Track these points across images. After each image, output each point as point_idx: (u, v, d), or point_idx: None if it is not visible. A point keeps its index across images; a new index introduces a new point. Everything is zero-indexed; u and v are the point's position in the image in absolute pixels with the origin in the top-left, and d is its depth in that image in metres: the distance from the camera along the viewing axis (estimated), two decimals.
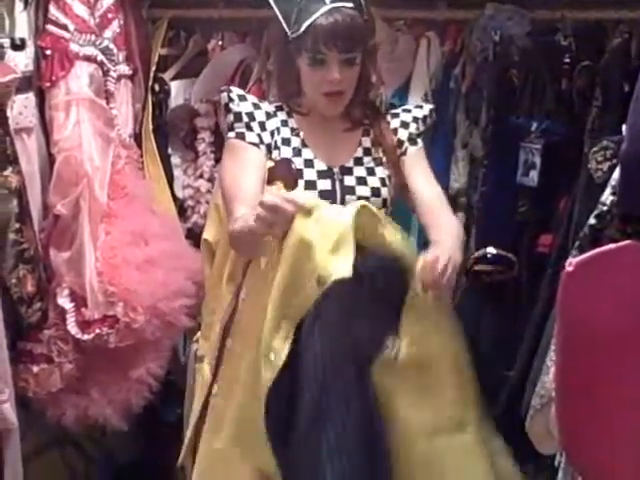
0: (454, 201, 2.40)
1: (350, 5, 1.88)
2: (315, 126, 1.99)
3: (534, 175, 2.30)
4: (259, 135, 1.96)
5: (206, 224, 2.26)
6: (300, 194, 1.80)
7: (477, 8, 2.37)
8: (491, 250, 2.32)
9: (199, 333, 2.18)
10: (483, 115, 2.34)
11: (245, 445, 1.77)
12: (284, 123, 1.99)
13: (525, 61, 2.31)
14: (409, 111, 2.08)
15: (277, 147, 1.95)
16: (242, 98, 1.99)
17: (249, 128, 1.95)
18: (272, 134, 1.97)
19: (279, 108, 2.02)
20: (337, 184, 1.94)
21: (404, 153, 2.02)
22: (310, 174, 1.93)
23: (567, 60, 2.27)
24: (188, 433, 2.07)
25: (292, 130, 1.98)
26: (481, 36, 2.33)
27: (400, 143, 2.02)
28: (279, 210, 1.62)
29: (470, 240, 2.38)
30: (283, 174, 1.92)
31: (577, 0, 2.31)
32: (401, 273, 1.70)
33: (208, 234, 2.20)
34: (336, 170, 1.95)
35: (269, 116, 1.99)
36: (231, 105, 1.97)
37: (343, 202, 1.91)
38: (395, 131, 2.03)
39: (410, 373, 1.70)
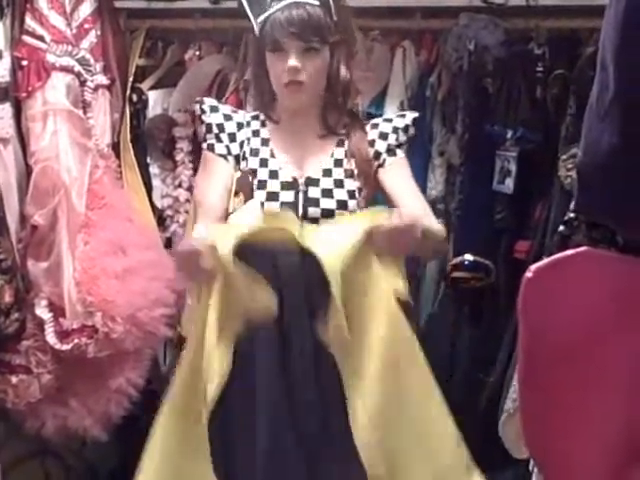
0: (432, 208, 2.42)
1: (314, 2, 1.89)
2: (287, 135, 1.98)
3: (510, 182, 2.32)
4: (227, 147, 1.97)
5: (185, 234, 2.26)
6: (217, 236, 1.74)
7: (452, 18, 2.39)
8: (468, 257, 2.34)
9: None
10: (459, 123, 2.36)
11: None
12: (255, 133, 1.99)
13: (500, 70, 2.33)
14: (390, 121, 2.03)
15: (245, 158, 1.96)
16: (214, 109, 2.00)
17: (218, 139, 1.98)
18: (242, 145, 1.98)
19: (255, 117, 2.03)
20: (300, 195, 1.91)
21: (382, 165, 1.98)
22: (273, 185, 1.92)
23: (541, 69, 2.30)
24: None
25: (263, 141, 1.98)
26: (456, 45, 2.35)
27: (377, 155, 1.98)
28: (191, 262, 1.71)
29: (448, 247, 2.40)
30: (244, 186, 1.93)
31: (551, 9, 2.34)
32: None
33: None
34: (301, 181, 1.93)
35: (240, 127, 1.99)
36: (203, 117, 2.00)
37: (305, 214, 1.89)
38: (372, 143, 1.99)
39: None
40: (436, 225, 1.92)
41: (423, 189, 2.40)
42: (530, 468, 1.81)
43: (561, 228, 1.62)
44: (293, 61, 1.87)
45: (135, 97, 2.59)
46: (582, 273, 1.44)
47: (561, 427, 1.48)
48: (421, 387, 1.70)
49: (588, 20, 2.29)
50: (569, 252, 1.45)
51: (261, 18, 1.91)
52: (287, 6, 1.88)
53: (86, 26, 2.42)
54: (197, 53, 2.63)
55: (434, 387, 1.70)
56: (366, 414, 1.66)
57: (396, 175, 1.99)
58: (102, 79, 2.47)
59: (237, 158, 1.96)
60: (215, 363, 1.68)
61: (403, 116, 2.05)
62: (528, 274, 1.50)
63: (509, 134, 2.32)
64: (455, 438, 1.70)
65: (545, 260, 1.48)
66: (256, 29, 1.93)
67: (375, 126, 2.02)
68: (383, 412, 1.66)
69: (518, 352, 1.52)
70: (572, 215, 1.59)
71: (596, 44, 2.21)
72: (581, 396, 1.46)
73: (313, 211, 1.90)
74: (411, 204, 1.92)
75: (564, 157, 1.74)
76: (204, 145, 2.00)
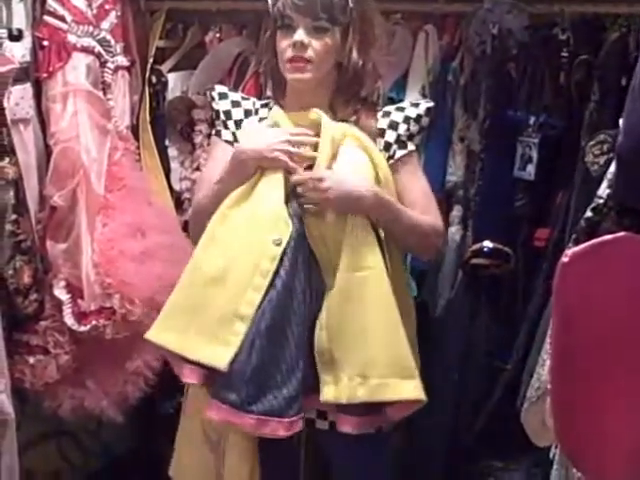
0: (451, 194, 2.41)
1: None
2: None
3: (531, 169, 2.30)
4: (234, 133, 1.99)
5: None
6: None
7: (475, 1, 2.36)
8: (488, 244, 2.33)
9: None
10: (481, 109, 2.34)
11: (165, 324, 1.86)
12: (263, 120, 1.99)
13: (523, 55, 2.30)
14: (402, 110, 1.99)
15: None
16: (222, 96, 2.02)
17: (225, 126, 1.99)
18: None
19: (264, 105, 2.02)
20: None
21: (392, 157, 1.96)
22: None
23: (565, 54, 2.26)
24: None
25: (270, 127, 1.96)
26: (479, 29, 2.32)
27: (388, 146, 1.96)
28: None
29: (467, 233, 2.39)
30: None
31: None
32: None
33: None
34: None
35: (248, 114, 2.00)
36: (212, 103, 2.03)
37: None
38: (382, 133, 1.96)
39: None
40: (438, 223, 1.96)
41: (442, 175, 2.40)
42: (550, 456, 1.79)
43: (589, 214, 1.60)
44: (299, 35, 1.85)
45: (155, 79, 2.58)
46: (620, 258, 1.41)
47: (594, 416, 1.47)
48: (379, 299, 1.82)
49: (613, 6, 2.26)
50: (607, 237, 1.43)
51: None
52: None
53: (107, 7, 2.41)
54: (217, 35, 2.61)
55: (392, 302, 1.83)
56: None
57: (405, 171, 1.97)
58: (122, 60, 2.46)
59: None
60: None
61: (417, 105, 2.01)
62: (564, 259, 1.47)
63: (531, 120, 2.29)
64: (399, 344, 1.82)
65: (582, 245, 1.45)
66: (270, 9, 1.91)
67: (387, 114, 1.98)
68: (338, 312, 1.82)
69: (551, 339, 1.50)
70: (601, 201, 1.56)
71: (620, 30, 2.20)
72: (616, 385, 1.45)
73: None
74: (417, 202, 1.94)
75: (592, 143, 1.71)
76: (213, 131, 2.04)
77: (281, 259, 1.81)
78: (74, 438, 2.67)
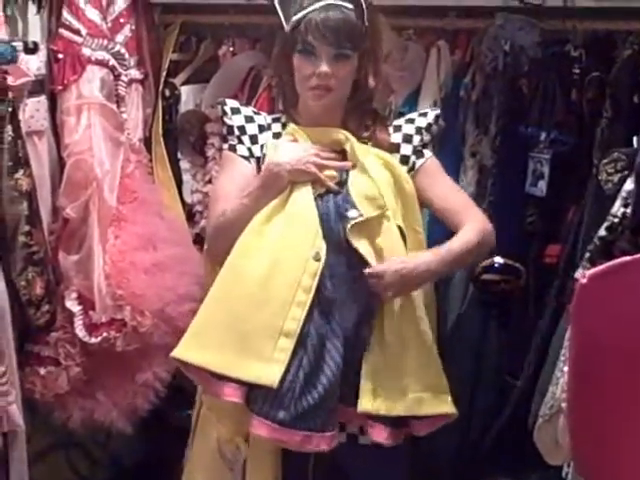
0: None
1: (349, 6, 1.88)
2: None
3: (542, 185, 2.29)
4: (249, 149, 1.98)
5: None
6: None
7: (487, 17, 2.37)
8: (499, 260, 2.32)
9: None
10: (492, 124, 2.34)
11: (197, 342, 1.83)
12: (276, 136, 1.99)
13: (535, 71, 2.31)
14: (412, 121, 2.02)
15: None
16: (235, 111, 2.01)
17: (240, 141, 1.98)
18: (262, 147, 1.97)
19: (276, 120, 2.02)
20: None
21: (412, 168, 1.98)
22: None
23: (577, 71, 2.27)
24: (190, 439, 2.08)
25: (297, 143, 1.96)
26: (491, 45, 2.33)
27: (406, 159, 1.98)
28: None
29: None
30: None
31: (588, 11, 2.31)
32: None
33: None
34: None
35: (262, 129, 1.99)
36: (225, 118, 2.01)
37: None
38: (398, 147, 1.98)
39: None
40: (482, 222, 1.96)
41: None
42: (563, 475, 1.79)
43: (603, 233, 1.60)
44: (325, 67, 1.86)
45: (168, 92, 2.60)
46: (638, 280, 1.41)
47: (611, 436, 1.46)
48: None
49: (625, 22, 2.26)
50: (626, 258, 1.42)
51: (297, 17, 1.88)
52: (324, 8, 1.86)
53: (121, 20, 2.43)
54: (231, 49, 2.63)
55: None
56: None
57: (430, 176, 1.99)
58: (136, 73, 2.48)
59: (258, 160, 1.96)
60: None
61: (425, 114, 2.04)
62: (583, 280, 1.46)
63: (543, 136, 2.29)
64: (434, 360, 1.93)
65: (600, 266, 1.44)
66: (286, 27, 1.91)
67: (398, 128, 2.01)
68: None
69: (569, 360, 1.49)
70: (616, 220, 1.56)
71: (632, 47, 2.21)
72: (635, 406, 1.44)
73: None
74: (455, 201, 1.97)
75: (605, 161, 1.71)
76: (225, 146, 2.01)
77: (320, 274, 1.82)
78: (83, 449, 2.68)
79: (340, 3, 1.87)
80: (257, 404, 1.79)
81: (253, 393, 1.80)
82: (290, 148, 1.91)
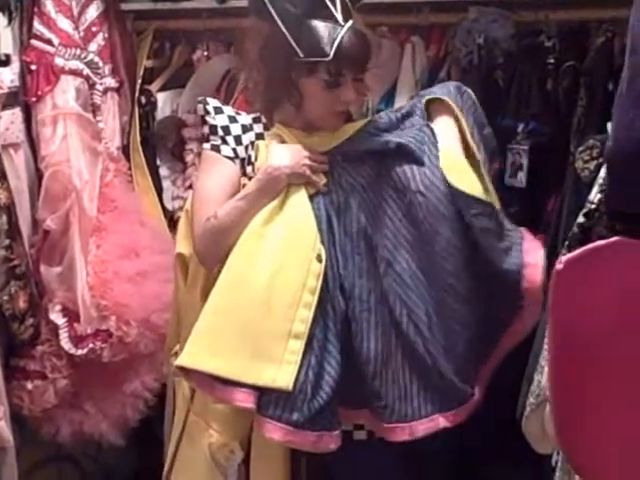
0: None
1: (358, 25, 1.86)
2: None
3: (522, 176, 2.30)
4: (234, 149, 1.94)
5: (177, 237, 2.10)
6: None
7: (460, 12, 2.37)
8: None
9: (177, 346, 2.05)
10: None
11: (205, 350, 1.80)
12: (259, 137, 1.96)
13: (510, 63, 2.31)
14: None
15: (251, 162, 1.93)
16: (218, 110, 1.96)
17: (224, 142, 1.93)
18: (247, 148, 1.95)
19: (256, 120, 1.98)
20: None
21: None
22: None
23: (552, 61, 2.28)
24: (170, 448, 2.05)
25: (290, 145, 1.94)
26: (465, 40, 2.33)
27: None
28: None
29: None
30: None
31: (560, 1, 2.32)
32: None
33: (182, 247, 2.05)
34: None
35: (245, 129, 1.96)
36: (207, 117, 1.95)
37: None
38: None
39: None
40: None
41: None
42: (553, 463, 1.79)
43: (581, 220, 1.60)
44: (352, 94, 1.86)
45: (144, 99, 2.58)
46: (615, 263, 1.41)
47: (594, 420, 1.46)
48: None
49: (598, 11, 2.27)
50: (601, 242, 1.43)
51: (332, 51, 1.80)
52: (348, 35, 1.81)
53: (93, 29, 2.42)
54: (205, 53, 2.62)
55: None
56: None
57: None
58: (111, 82, 2.47)
59: (243, 161, 1.94)
60: None
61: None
62: (559, 265, 1.47)
63: (520, 127, 2.30)
64: None
65: (576, 251, 1.45)
66: (300, 53, 1.82)
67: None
68: None
69: (548, 346, 1.50)
70: (593, 206, 1.56)
71: (606, 35, 2.22)
72: (615, 390, 1.45)
73: None
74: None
75: (581, 149, 1.72)
76: (206, 145, 1.95)
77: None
78: (75, 463, 2.65)
79: (355, 26, 1.84)
80: (269, 408, 1.77)
81: (264, 397, 1.78)
82: (285, 151, 1.90)
